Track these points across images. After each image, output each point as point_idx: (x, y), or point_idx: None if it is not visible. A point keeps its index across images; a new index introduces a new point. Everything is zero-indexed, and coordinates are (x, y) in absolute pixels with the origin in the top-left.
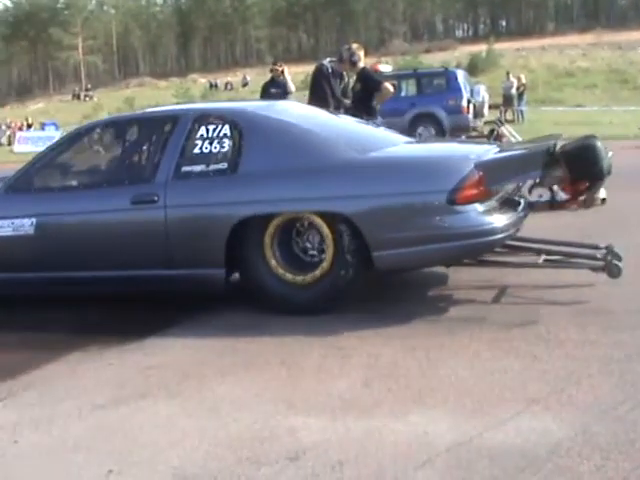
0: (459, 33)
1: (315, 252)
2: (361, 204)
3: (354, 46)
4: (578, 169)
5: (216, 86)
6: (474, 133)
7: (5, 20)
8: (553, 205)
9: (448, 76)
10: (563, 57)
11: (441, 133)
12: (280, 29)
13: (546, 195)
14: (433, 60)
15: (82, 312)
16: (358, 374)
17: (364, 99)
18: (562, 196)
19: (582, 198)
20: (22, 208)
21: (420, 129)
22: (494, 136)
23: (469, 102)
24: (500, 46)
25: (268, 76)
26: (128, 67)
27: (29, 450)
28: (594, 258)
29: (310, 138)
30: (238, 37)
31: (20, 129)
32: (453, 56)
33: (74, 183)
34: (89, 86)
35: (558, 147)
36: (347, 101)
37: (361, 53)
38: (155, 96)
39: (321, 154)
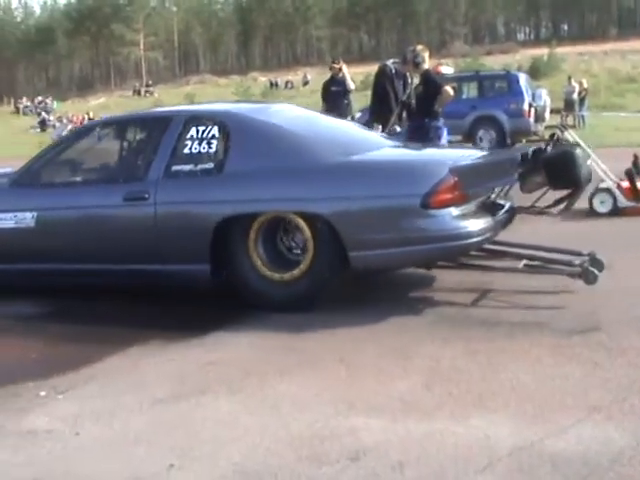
0: (520, 36)
1: (299, 251)
2: (339, 205)
3: (418, 47)
4: (556, 176)
5: (276, 85)
6: (535, 137)
7: (69, 15)
8: (535, 210)
9: (510, 79)
10: (625, 62)
11: (502, 136)
12: (341, 29)
13: None
14: (494, 63)
15: (143, 306)
16: (419, 376)
17: (426, 102)
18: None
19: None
20: (24, 202)
21: (481, 132)
22: (554, 141)
23: (530, 106)
24: (562, 50)
25: (329, 75)
26: (189, 64)
27: (90, 442)
28: (571, 264)
29: (294, 141)
30: (299, 36)
31: (81, 123)
32: (514, 59)
33: (73, 179)
34: (150, 82)
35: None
36: (412, 101)
37: (425, 55)
38: (215, 93)
39: (303, 156)
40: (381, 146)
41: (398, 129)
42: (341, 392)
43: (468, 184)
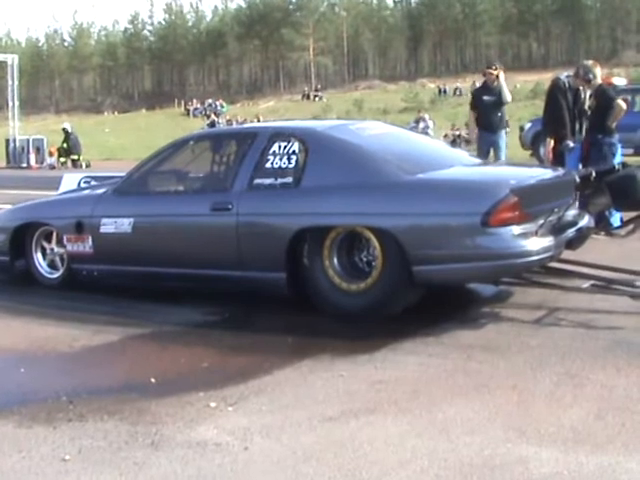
0: None
1: (368, 263)
2: (403, 221)
3: (589, 63)
4: (621, 197)
5: (445, 92)
6: None
7: (239, 20)
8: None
9: None
10: None
11: None
12: (510, 36)
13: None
14: None
15: (312, 319)
16: (591, 405)
17: (599, 117)
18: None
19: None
20: (123, 209)
21: None
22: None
23: None
24: None
25: (481, 81)
26: (358, 69)
27: (259, 457)
28: (632, 285)
29: (366, 158)
30: (468, 43)
31: None
32: None
33: (166, 189)
34: (319, 87)
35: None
36: (584, 116)
37: (597, 70)
38: (384, 99)
39: (373, 173)
40: (454, 164)
41: (571, 144)
42: (512, 418)
43: (529, 203)
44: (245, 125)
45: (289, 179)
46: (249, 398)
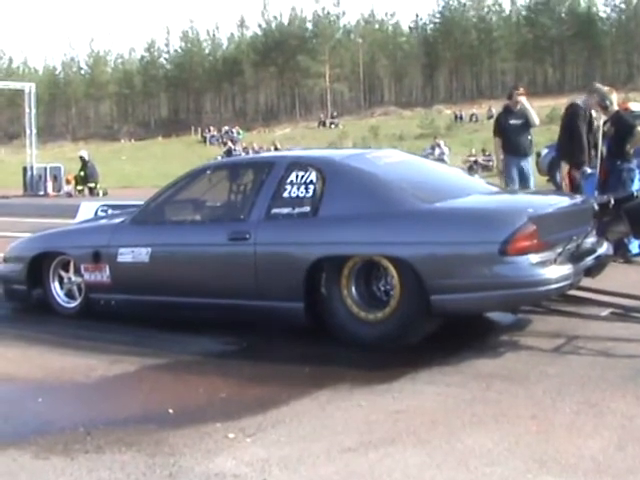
0: None
1: (386, 292)
2: (421, 250)
3: (605, 89)
4: (638, 225)
5: (461, 118)
6: None
7: (255, 47)
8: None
9: None
10: None
11: None
12: (526, 62)
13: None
14: None
15: (329, 349)
16: (611, 435)
17: (617, 143)
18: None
19: None
20: (141, 238)
21: None
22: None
23: None
24: None
25: (502, 105)
26: (373, 96)
27: None
28: None
29: (383, 187)
30: (484, 69)
31: None
32: None
33: (183, 218)
34: (335, 113)
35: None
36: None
37: (613, 97)
38: (399, 126)
39: (390, 202)
40: (471, 192)
41: (589, 170)
42: (532, 448)
43: (547, 232)
44: (262, 154)
45: (307, 208)
46: (267, 429)
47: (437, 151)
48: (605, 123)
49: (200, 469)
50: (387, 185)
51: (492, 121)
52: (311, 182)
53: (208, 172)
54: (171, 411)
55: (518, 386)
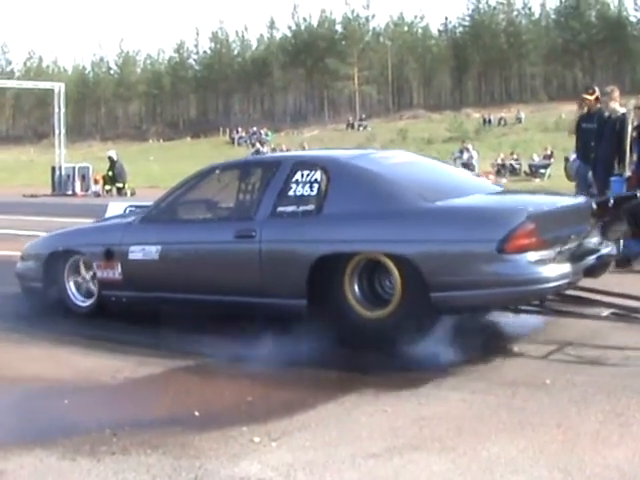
0: None
1: (391, 290)
2: (421, 248)
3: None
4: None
5: (489, 121)
6: None
7: (284, 49)
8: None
9: None
10: None
11: None
12: (555, 66)
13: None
14: None
15: (355, 353)
16: (637, 444)
17: None
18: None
19: None
20: (150, 236)
21: None
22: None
23: None
24: None
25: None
26: (402, 98)
27: None
28: None
29: (386, 186)
30: (513, 73)
31: None
32: None
33: (191, 217)
34: (363, 116)
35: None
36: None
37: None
38: (428, 129)
39: (392, 201)
40: (474, 192)
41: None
42: (556, 457)
43: (546, 230)
44: (267, 155)
45: (311, 207)
46: (293, 433)
47: (465, 155)
48: (635, 129)
49: (225, 472)
50: (389, 184)
51: (520, 125)
52: (316, 181)
53: (217, 172)
54: (197, 414)
55: (543, 394)
